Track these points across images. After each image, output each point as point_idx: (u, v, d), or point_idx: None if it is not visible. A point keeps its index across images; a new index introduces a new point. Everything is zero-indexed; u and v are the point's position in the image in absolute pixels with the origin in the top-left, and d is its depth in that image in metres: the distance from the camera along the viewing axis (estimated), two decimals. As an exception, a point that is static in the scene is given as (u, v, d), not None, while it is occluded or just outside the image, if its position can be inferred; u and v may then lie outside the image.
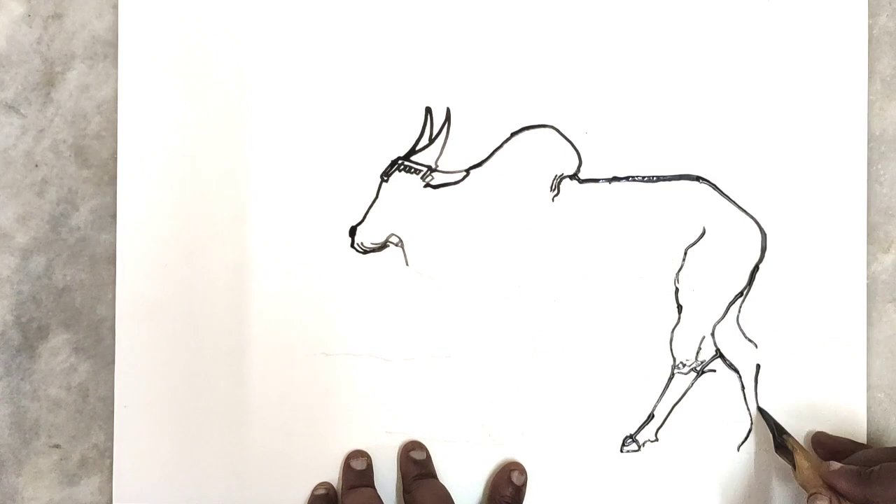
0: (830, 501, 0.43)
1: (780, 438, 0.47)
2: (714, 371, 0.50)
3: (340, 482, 0.49)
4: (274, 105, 0.50)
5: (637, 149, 0.49)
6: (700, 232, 0.49)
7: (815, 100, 0.49)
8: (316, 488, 0.49)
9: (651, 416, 0.49)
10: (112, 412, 0.50)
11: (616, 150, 0.49)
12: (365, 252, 0.50)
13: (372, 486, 0.48)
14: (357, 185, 0.50)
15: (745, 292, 0.49)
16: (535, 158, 0.49)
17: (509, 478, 0.48)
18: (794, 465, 0.46)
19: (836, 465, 0.44)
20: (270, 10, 0.50)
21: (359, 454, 0.49)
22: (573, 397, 0.49)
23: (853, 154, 0.49)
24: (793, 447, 0.46)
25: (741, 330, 0.49)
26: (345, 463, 0.49)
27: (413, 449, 0.49)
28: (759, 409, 0.49)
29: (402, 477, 0.49)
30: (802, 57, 0.49)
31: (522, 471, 0.48)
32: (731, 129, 0.49)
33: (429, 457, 0.49)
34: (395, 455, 0.50)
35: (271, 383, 0.49)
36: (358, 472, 0.48)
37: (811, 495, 0.44)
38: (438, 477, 0.48)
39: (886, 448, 0.46)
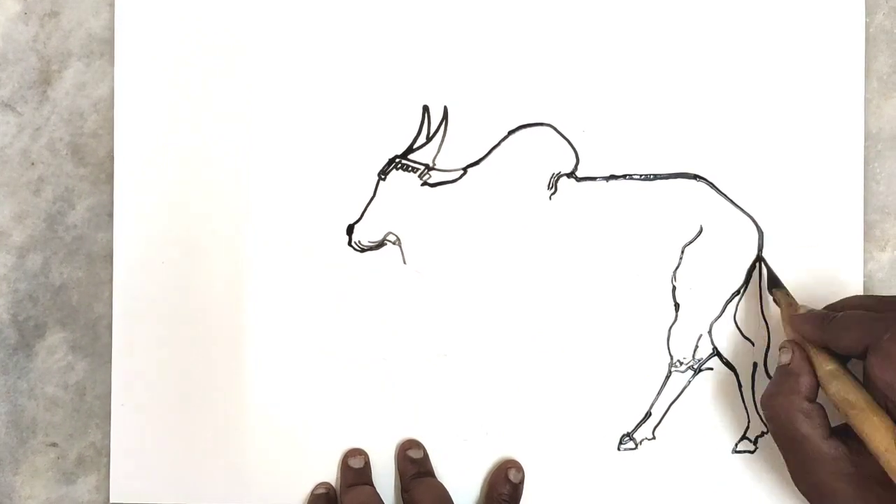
0: (793, 352, 0.42)
1: (770, 291, 0.47)
2: (711, 369, 0.50)
3: (338, 481, 0.49)
4: (271, 103, 0.50)
5: (634, 147, 0.49)
6: (697, 230, 0.49)
7: (812, 98, 0.49)
8: (316, 488, 0.49)
9: (648, 415, 0.49)
10: (109, 411, 0.50)
11: (613, 148, 0.49)
12: (362, 250, 0.50)
13: (370, 483, 0.48)
14: (354, 183, 0.50)
15: (742, 290, 0.49)
16: (532, 157, 0.49)
17: (506, 476, 0.48)
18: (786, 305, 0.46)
19: (802, 308, 0.44)
20: (268, 8, 0.50)
21: (356, 452, 0.49)
22: (570, 395, 0.49)
23: (850, 152, 0.49)
24: (778, 301, 0.46)
25: (738, 328, 0.50)
26: (342, 461, 0.49)
27: (410, 448, 0.49)
28: (761, 258, 0.49)
29: (400, 476, 0.49)
30: (799, 55, 0.49)
31: (519, 468, 0.48)
32: (729, 128, 0.49)
33: (426, 455, 0.49)
34: (393, 453, 0.50)
35: (268, 381, 0.50)
36: (356, 470, 0.48)
37: (780, 347, 0.43)
38: (436, 475, 0.48)
39: (874, 296, 0.45)
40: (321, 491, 0.49)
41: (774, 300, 0.47)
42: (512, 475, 0.48)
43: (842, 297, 0.45)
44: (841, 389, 0.40)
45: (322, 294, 0.50)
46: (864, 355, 0.39)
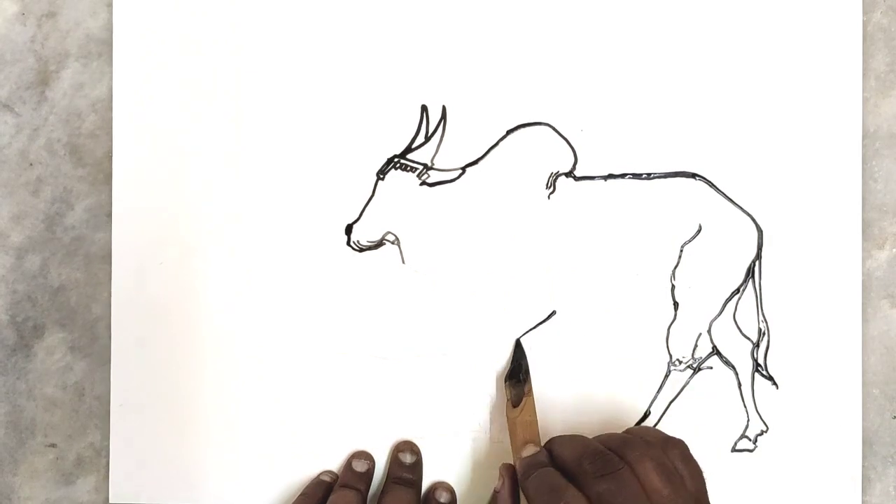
0: (503, 481, 0.43)
1: (521, 377, 0.47)
2: (711, 368, 0.50)
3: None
4: (269, 103, 0.50)
5: (632, 146, 0.49)
6: (696, 229, 0.49)
7: (810, 97, 0.49)
8: (322, 473, 0.49)
9: (647, 413, 0.49)
10: (108, 411, 0.50)
11: (611, 147, 0.49)
12: (361, 250, 0.50)
13: (365, 489, 0.48)
14: (353, 183, 0.50)
15: (741, 289, 0.49)
16: (530, 156, 0.49)
17: (434, 496, 0.48)
18: (514, 405, 0.46)
19: (529, 450, 0.43)
20: (265, 8, 0.50)
21: (363, 455, 0.49)
22: (570, 395, 0.49)
23: (848, 151, 0.49)
24: (528, 391, 0.46)
25: (738, 327, 0.50)
26: (347, 460, 0.49)
27: (402, 450, 0.49)
28: (517, 342, 0.49)
29: (387, 475, 0.49)
30: (797, 54, 0.49)
31: (449, 489, 0.49)
32: (727, 127, 0.49)
33: (418, 461, 0.48)
34: (390, 452, 0.50)
35: (266, 382, 0.49)
36: (357, 473, 0.48)
37: (499, 472, 0.44)
38: (435, 476, 0.48)
39: (613, 434, 0.43)
40: (325, 478, 0.48)
41: (510, 399, 0.47)
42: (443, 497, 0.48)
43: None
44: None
45: (321, 294, 0.49)
46: None
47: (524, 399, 0.46)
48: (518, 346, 0.48)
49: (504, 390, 0.47)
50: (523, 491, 0.42)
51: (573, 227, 0.49)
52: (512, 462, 0.45)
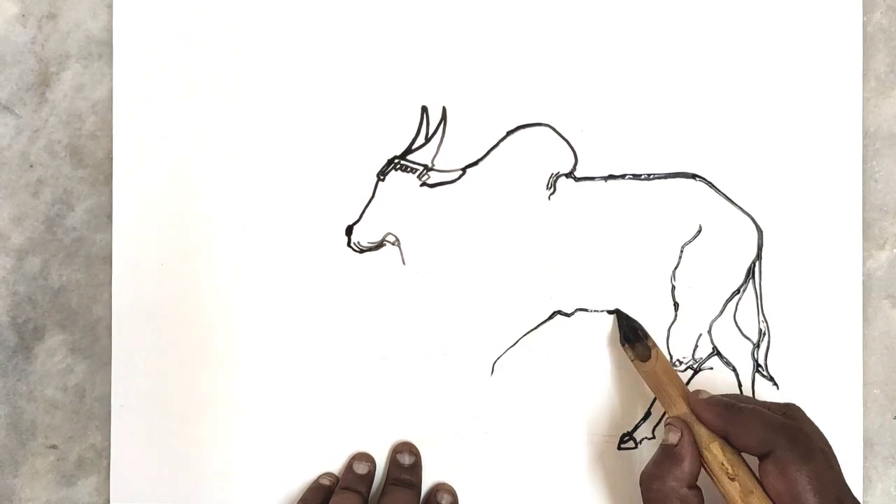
0: (682, 434, 0.42)
1: (642, 337, 0.47)
2: (711, 369, 0.50)
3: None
4: (270, 104, 0.50)
5: (633, 147, 0.49)
6: (696, 229, 0.49)
7: (810, 97, 0.49)
8: (321, 476, 0.49)
9: (648, 414, 0.49)
10: (109, 412, 0.50)
11: (612, 148, 0.49)
12: (361, 251, 0.50)
13: (367, 491, 0.48)
14: (353, 184, 0.50)
15: (741, 289, 0.49)
16: (531, 157, 0.49)
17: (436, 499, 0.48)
18: (643, 359, 0.46)
19: (705, 393, 0.43)
20: (265, 9, 0.50)
21: (363, 457, 0.49)
22: (571, 394, 0.49)
23: (848, 151, 0.49)
24: (653, 345, 0.46)
25: (738, 327, 0.50)
26: (348, 462, 0.49)
27: (401, 451, 0.49)
28: (617, 311, 0.49)
29: (385, 477, 0.49)
30: (797, 54, 0.49)
31: (450, 491, 0.48)
32: (727, 127, 0.49)
33: (417, 462, 0.48)
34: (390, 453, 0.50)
35: (267, 382, 0.49)
36: (358, 475, 0.48)
37: (667, 423, 0.43)
38: (436, 476, 0.48)
39: (769, 402, 0.44)
40: (325, 482, 0.48)
41: (636, 357, 0.47)
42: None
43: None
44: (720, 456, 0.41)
45: (321, 295, 0.50)
46: (760, 455, 0.39)
47: (653, 351, 0.46)
48: (620, 313, 0.49)
49: (625, 353, 0.47)
50: (727, 429, 0.41)
51: (573, 227, 0.50)
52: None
